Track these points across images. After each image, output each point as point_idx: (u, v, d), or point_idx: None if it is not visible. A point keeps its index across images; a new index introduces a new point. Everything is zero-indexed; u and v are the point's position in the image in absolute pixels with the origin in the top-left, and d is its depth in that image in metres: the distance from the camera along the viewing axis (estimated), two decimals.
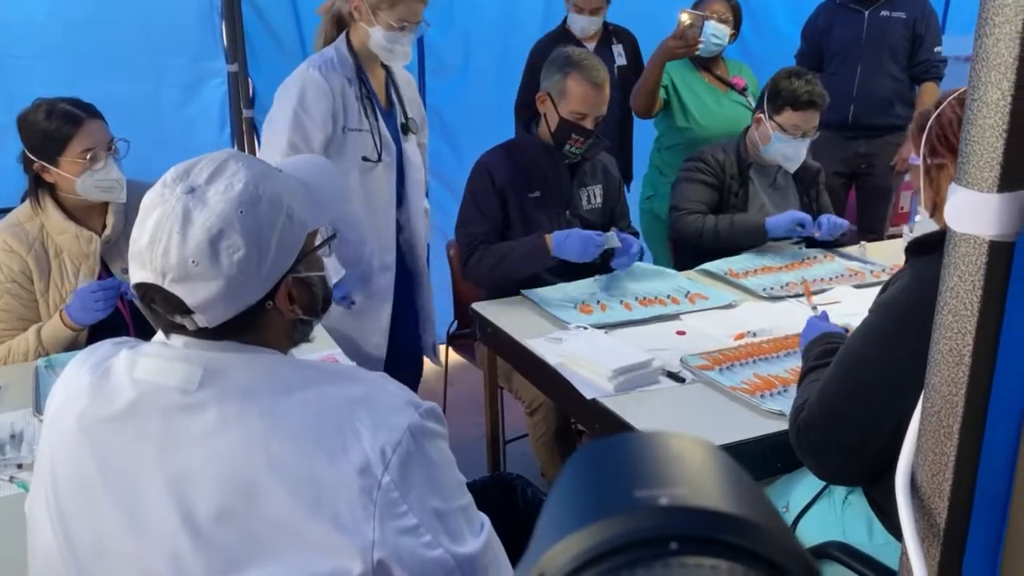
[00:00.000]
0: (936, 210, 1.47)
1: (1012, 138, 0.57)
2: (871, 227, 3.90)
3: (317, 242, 1.12)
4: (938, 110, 1.43)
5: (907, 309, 1.32)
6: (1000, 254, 0.59)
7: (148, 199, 1.02)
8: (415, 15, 2.40)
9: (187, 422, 0.98)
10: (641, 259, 2.66)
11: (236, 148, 3.34)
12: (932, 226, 1.47)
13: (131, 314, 2.10)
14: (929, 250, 1.32)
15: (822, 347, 1.59)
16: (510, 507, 2.01)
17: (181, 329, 1.02)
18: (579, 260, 2.39)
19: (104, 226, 2.11)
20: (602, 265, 2.64)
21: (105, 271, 2.11)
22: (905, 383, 1.19)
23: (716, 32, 3.15)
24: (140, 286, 1.02)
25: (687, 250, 2.89)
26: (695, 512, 0.33)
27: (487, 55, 3.80)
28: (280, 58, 3.35)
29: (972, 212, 0.59)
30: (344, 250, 2.48)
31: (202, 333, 1.02)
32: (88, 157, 1.99)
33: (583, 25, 3.37)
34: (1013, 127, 0.56)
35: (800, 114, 2.72)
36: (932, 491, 0.64)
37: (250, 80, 3.33)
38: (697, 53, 3.16)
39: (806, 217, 2.72)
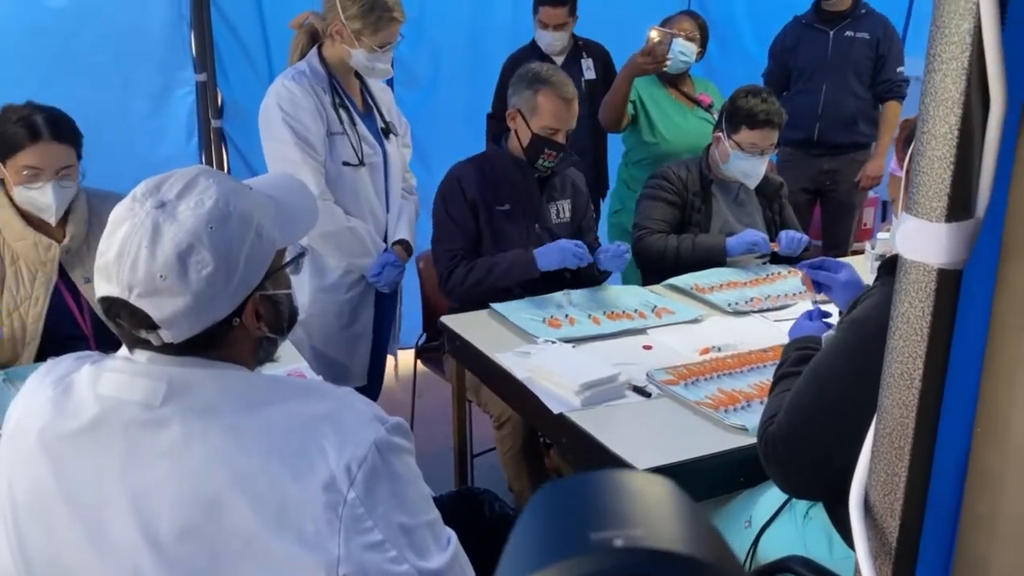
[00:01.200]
0: None
1: (959, 170, 0.59)
2: (835, 243, 3.97)
3: (285, 259, 1.12)
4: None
5: (873, 328, 1.33)
6: (948, 281, 0.61)
7: (117, 213, 1.01)
8: (394, 36, 2.46)
9: (150, 438, 0.98)
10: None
11: (204, 158, 3.32)
12: None
13: (92, 328, 2.07)
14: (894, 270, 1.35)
15: (798, 352, 1.60)
16: (477, 521, 2.00)
17: (146, 344, 1.02)
18: (560, 267, 2.47)
19: (64, 235, 2.08)
20: (571, 279, 2.66)
21: (63, 280, 2.08)
22: (868, 402, 1.21)
23: (683, 49, 3.20)
24: (105, 300, 1.01)
25: (651, 267, 2.92)
26: (649, 553, 0.34)
27: (456, 68, 3.82)
28: (248, 69, 3.34)
29: (921, 240, 0.61)
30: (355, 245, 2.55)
31: (167, 348, 1.01)
32: (26, 174, 1.95)
33: (548, 41, 3.42)
34: (960, 159, 0.59)
35: (757, 132, 2.76)
36: (884, 510, 0.66)
37: (218, 90, 3.31)
38: (665, 70, 3.21)
39: (760, 237, 2.79)
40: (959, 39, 0.57)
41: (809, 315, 1.80)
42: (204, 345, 1.02)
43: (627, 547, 0.35)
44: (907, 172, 1.43)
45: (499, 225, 2.57)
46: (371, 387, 2.78)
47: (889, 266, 1.37)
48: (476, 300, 2.50)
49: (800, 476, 1.41)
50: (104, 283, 1.00)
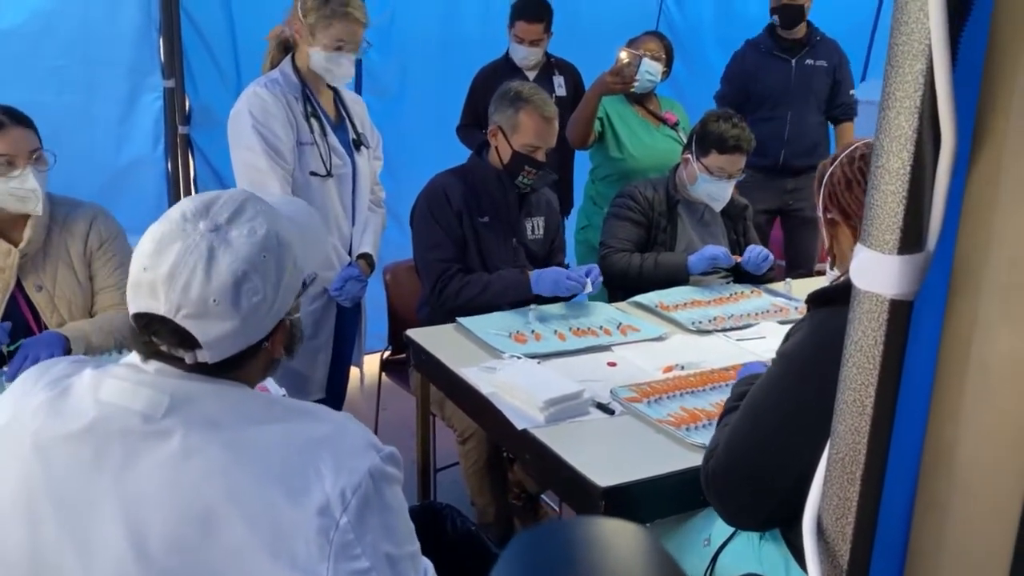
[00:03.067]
0: (835, 261, 1.51)
1: (911, 204, 0.61)
2: (799, 262, 4.03)
3: (304, 284, 1.15)
4: (831, 168, 1.47)
5: (805, 361, 1.33)
6: (900, 312, 0.63)
7: (163, 230, 1.02)
8: (352, 36, 2.42)
9: (148, 448, 0.98)
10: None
11: (170, 165, 3.29)
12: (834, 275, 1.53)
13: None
14: (828, 301, 1.35)
15: (742, 389, 1.60)
16: (439, 537, 2.00)
17: (167, 359, 1.03)
18: (552, 294, 2.51)
19: (22, 239, 2.04)
20: (537, 295, 2.67)
21: (18, 287, 2.05)
22: (804, 432, 1.20)
23: (650, 69, 3.25)
24: (145, 316, 1.01)
25: (615, 284, 2.95)
26: None
27: (425, 79, 3.83)
28: (217, 76, 3.31)
29: (875, 271, 0.63)
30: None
31: (193, 366, 1.02)
32: (3, 162, 1.93)
33: (523, 55, 3.47)
34: (912, 194, 0.60)
35: (726, 157, 2.81)
36: (836, 534, 0.68)
37: (186, 97, 3.29)
38: (633, 89, 3.25)
39: (721, 251, 2.84)
40: (912, 79, 0.59)
41: (752, 364, 1.82)
42: (229, 365, 1.04)
43: None
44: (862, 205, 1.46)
45: (481, 236, 2.61)
46: (332, 400, 2.76)
47: (817, 299, 1.38)
48: (442, 316, 2.52)
49: (738, 507, 1.41)
50: (147, 299, 1.00)
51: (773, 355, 2.13)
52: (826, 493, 0.69)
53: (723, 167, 2.82)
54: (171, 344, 1.01)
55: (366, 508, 0.98)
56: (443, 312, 2.55)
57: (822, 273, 3.70)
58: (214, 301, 0.98)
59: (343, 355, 2.81)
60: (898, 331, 0.63)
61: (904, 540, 0.67)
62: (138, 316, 1.02)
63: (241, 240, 1.01)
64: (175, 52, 3.18)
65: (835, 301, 1.41)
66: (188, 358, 1.01)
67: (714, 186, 2.85)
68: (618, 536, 0.41)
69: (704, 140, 2.84)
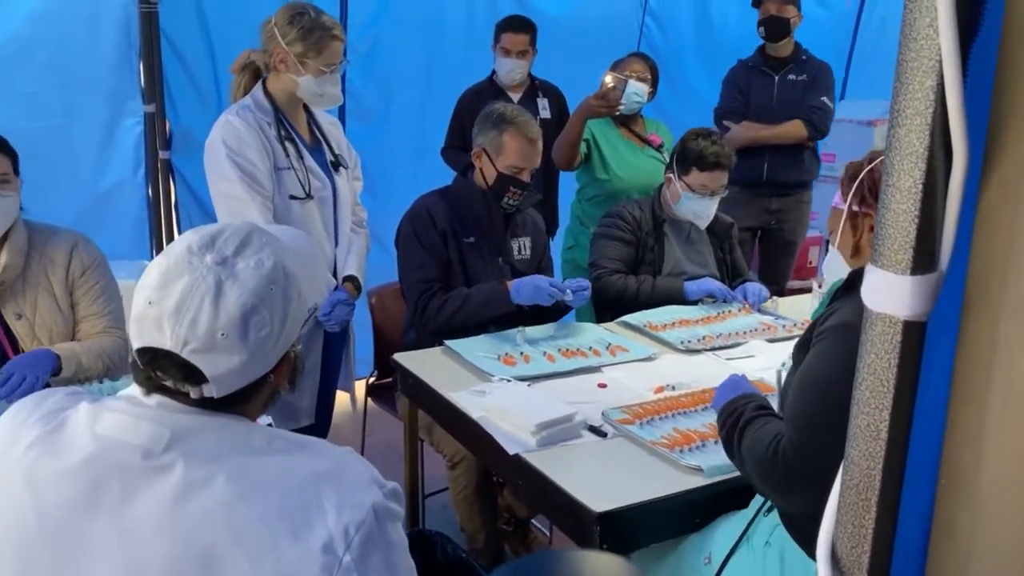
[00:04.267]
0: (855, 253, 1.60)
1: (923, 223, 0.59)
2: (773, 279, 4.05)
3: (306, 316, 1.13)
4: (871, 164, 1.56)
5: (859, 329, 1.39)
6: (913, 334, 0.62)
7: (168, 263, 1.00)
8: (338, 55, 2.42)
9: (147, 485, 0.95)
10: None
11: (151, 190, 3.24)
12: (840, 267, 1.62)
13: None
14: (854, 287, 1.41)
15: (754, 403, 1.61)
16: (429, 564, 1.96)
17: (171, 392, 1.01)
18: (531, 302, 2.49)
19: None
20: (528, 313, 2.66)
21: None
22: None
23: (636, 90, 3.27)
24: (150, 351, 0.99)
25: (609, 306, 2.94)
26: None
27: (408, 103, 3.82)
28: (197, 100, 3.29)
29: (887, 293, 0.61)
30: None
31: (198, 400, 1.00)
32: None
33: (510, 68, 3.45)
34: (924, 213, 0.59)
35: (707, 174, 2.81)
36: (852, 563, 0.66)
37: (167, 121, 3.25)
38: (619, 112, 3.27)
39: (718, 287, 2.85)
40: (923, 95, 0.58)
41: (731, 380, 1.78)
42: (233, 400, 1.02)
43: None
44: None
45: (466, 257, 2.59)
46: (319, 426, 2.72)
47: (848, 285, 1.46)
48: (450, 331, 2.49)
49: (816, 482, 1.38)
50: (153, 333, 0.98)
51: (762, 375, 2.16)
52: (840, 520, 0.67)
53: (705, 184, 2.83)
54: (176, 379, 0.99)
55: (369, 545, 0.96)
56: (429, 335, 2.53)
57: (805, 291, 3.71)
58: (222, 335, 0.97)
59: (330, 381, 2.77)
60: (912, 353, 0.62)
61: (921, 568, 0.65)
62: (143, 351, 1.00)
63: (248, 272, 1.00)
64: (155, 77, 3.15)
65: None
66: (194, 393, 1.00)
67: (697, 204, 2.86)
68: (603, 569, 0.41)
69: (685, 158, 2.86)
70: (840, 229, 1.61)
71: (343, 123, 3.67)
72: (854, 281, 1.46)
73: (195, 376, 0.98)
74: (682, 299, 2.85)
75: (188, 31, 3.26)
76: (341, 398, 2.91)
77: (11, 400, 1.50)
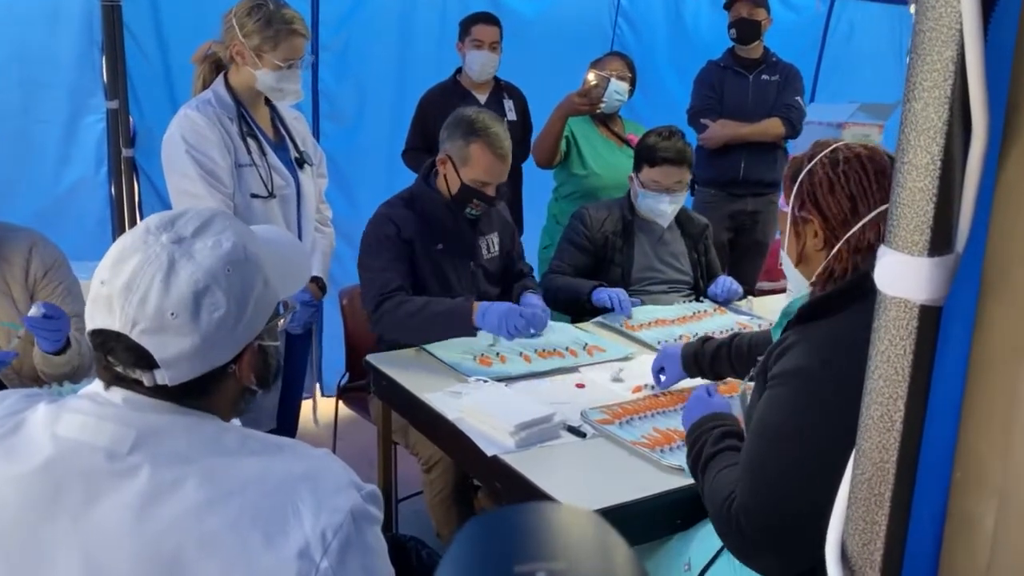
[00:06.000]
0: (800, 261, 1.47)
1: (941, 202, 0.56)
2: (743, 280, 4.06)
3: (280, 311, 1.09)
4: (810, 164, 1.43)
5: (812, 374, 1.29)
6: (929, 318, 0.59)
7: (125, 243, 0.96)
8: (299, 51, 2.32)
9: (112, 488, 0.89)
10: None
11: (113, 188, 3.15)
12: (794, 273, 1.49)
13: None
14: (808, 318, 1.33)
15: (718, 429, 1.52)
16: (404, 570, 1.91)
17: (128, 383, 0.95)
18: (496, 333, 2.29)
19: None
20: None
21: None
22: (830, 449, 1.13)
23: (618, 89, 3.26)
24: (100, 333, 0.94)
25: (552, 304, 2.92)
26: None
27: (381, 103, 3.77)
28: (164, 96, 3.20)
29: (903, 276, 0.58)
30: None
31: (151, 391, 0.95)
32: None
33: (484, 62, 3.38)
34: (942, 191, 0.56)
35: (658, 170, 2.79)
36: (864, 561, 0.63)
37: (131, 118, 3.16)
38: (601, 109, 3.25)
39: (625, 302, 2.70)
40: (942, 66, 0.55)
41: (707, 390, 1.70)
42: (194, 391, 0.97)
43: None
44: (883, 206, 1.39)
45: (437, 264, 2.50)
46: (284, 430, 2.64)
47: (796, 319, 1.35)
48: (404, 333, 2.39)
49: (786, 542, 1.30)
50: (102, 315, 0.94)
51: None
52: (851, 516, 0.64)
53: (657, 180, 2.80)
54: (127, 364, 0.94)
55: (347, 550, 0.91)
56: (391, 333, 2.42)
57: (777, 291, 3.72)
58: (172, 314, 0.92)
59: (293, 384, 2.69)
60: (928, 339, 0.59)
61: (935, 562, 0.62)
62: (94, 334, 0.95)
63: (205, 252, 0.95)
64: (118, 73, 3.06)
65: (815, 316, 1.39)
66: (146, 380, 0.94)
67: (651, 200, 2.84)
68: (573, 520, 0.42)
69: (638, 155, 2.85)
70: (786, 234, 1.47)
71: (317, 124, 3.61)
72: (814, 310, 1.34)
73: (146, 360, 0.93)
74: (587, 302, 2.74)
75: (152, 26, 3.18)
76: (304, 405, 2.84)
77: None
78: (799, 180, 1.43)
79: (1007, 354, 0.55)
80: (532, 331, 2.34)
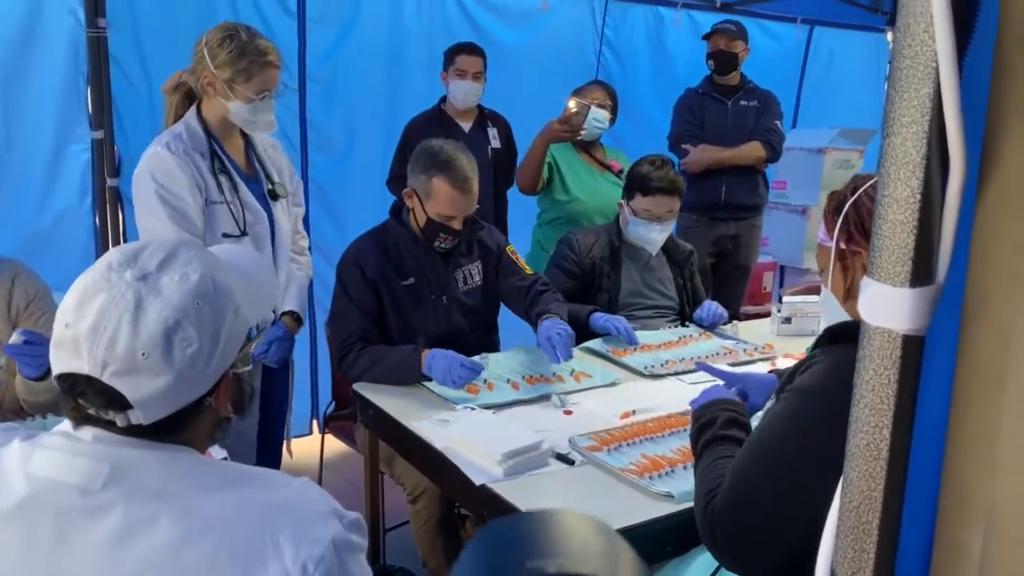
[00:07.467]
0: (848, 296, 1.43)
1: (922, 234, 0.58)
2: (727, 304, 4.09)
3: (251, 336, 1.06)
4: (854, 196, 1.39)
5: (829, 398, 1.27)
6: (912, 348, 0.60)
7: (88, 282, 0.93)
8: (272, 82, 2.28)
9: (86, 526, 0.87)
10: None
11: (98, 218, 3.14)
12: (838, 310, 1.44)
13: None
14: (844, 339, 1.31)
15: (728, 412, 1.53)
16: None
17: (99, 423, 0.93)
18: (441, 383, 2.25)
19: None
20: (488, 343, 2.61)
21: None
22: (828, 469, 1.14)
23: (598, 117, 3.30)
24: (68, 377, 0.92)
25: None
26: None
27: (369, 132, 3.78)
28: (150, 126, 3.19)
29: (886, 306, 0.59)
30: None
31: (127, 430, 0.92)
32: None
33: (466, 91, 3.41)
34: (922, 224, 0.58)
35: (650, 199, 2.83)
36: None
37: (116, 148, 3.16)
38: (581, 137, 3.29)
39: (623, 328, 2.71)
40: (919, 103, 0.56)
41: (716, 387, 1.72)
42: (169, 427, 0.94)
43: (560, 573, 0.40)
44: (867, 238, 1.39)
45: (403, 302, 2.46)
46: (267, 466, 2.60)
47: (830, 335, 1.34)
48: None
49: (750, 549, 1.32)
50: (69, 358, 0.91)
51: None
52: (839, 545, 0.64)
53: (649, 209, 2.84)
54: (99, 406, 0.92)
55: None
56: (352, 379, 2.40)
57: (763, 315, 3.74)
58: (143, 355, 0.89)
59: (274, 419, 2.66)
60: (912, 368, 0.60)
61: None
62: (62, 378, 0.93)
63: (172, 287, 0.92)
64: (104, 103, 3.06)
65: (853, 338, 1.36)
66: (120, 420, 0.92)
67: (643, 228, 2.88)
68: (577, 523, 0.46)
69: (630, 184, 2.89)
70: (830, 269, 1.43)
71: (305, 155, 3.62)
72: (842, 333, 1.33)
73: (118, 401, 0.91)
74: (585, 326, 2.75)
75: (137, 56, 3.18)
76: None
77: None
78: (844, 213, 1.39)
79: (989, 381, 0.56)
80: (560, 358, 2.33)
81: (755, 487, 1.31)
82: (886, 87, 0.59)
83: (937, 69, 0.55)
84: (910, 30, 0.56)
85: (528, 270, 2.70)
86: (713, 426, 1.52)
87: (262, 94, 2.26)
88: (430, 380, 2.30)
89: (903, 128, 0.57)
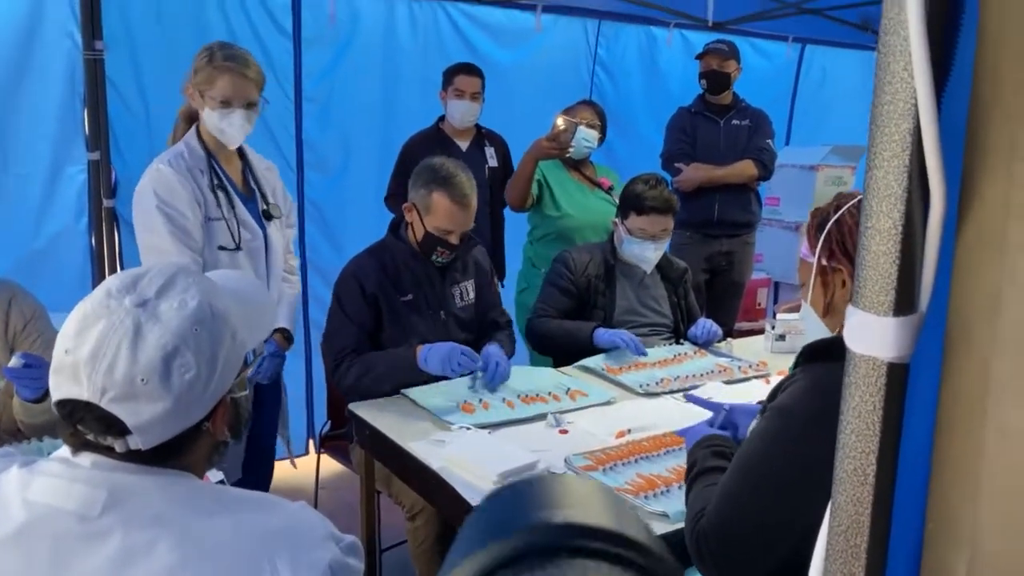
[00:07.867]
0: (827, 312, 1.45)
1: (904, 265, 0.59)
2: (722, 321, 4.11)
3: (248, 360, 1.07)
4: (837, 214, 1.40)
5: (808, 417, 1.29)
6: (897, 375, 0.61)
7: (87, 309, 0.94)
8: (238, 91, 2.30)
9: (84, 553, 0.88)
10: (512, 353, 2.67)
11: (94, 239, 3.15)
12: (818, 325, 1.45)
13: None
14: (824, 356, 1.32)
15: (711, 448, 1.56)
16: None
17: (98, 448, 0.94)
18: (441, 373, 2.32)
19: None
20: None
21: None
22: (810, 487, 1.14)
23: (586, 136, 3.33)
24: (68, 403, 0.92)
25: (535, 347, 2.97)
26: (585, 528, 0.42)
27: (365, 152, 3.81)
28: (146, 147, 3.22)
29: (870, 335, 0.61)
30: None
31: (125, 455, 0.93)
32: None
33: (463, 111, 3.44)
34: (904, 254, 0.59)
35: (645, 218, 2.85)
36: None
37: (112, 169, 3.18)
38: (570, 155, 3.31)
39: (629, 339, 2.74)
40: (900, 138, 0.58)
41: (709, 422, 1.73)
42: (167, 452, 0.95)
43: (566, 522, 0.42)
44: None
45: (403, 316, 2.50)
46: (257, 483, 2.60)
47: (810, 353, 1.35)
48: (366, 394, 2.39)
49: (735, 567, 1.33)
50: (69, 384, 0.92)
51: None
52: (828, 569, 0.65)
53: (643, 228, 2.86)
54: (97, 432, 0.92)
55: None
56: (353, 393, 2.42)
57: (756, 332, 3.76)
58: (142, 380, 0.90)
59: (265, 435, 2.67)
60: (896, 395, 0.61)
61: None
62: (61, 404, 0.94)
63: (171, 314, 0.94)
64: (100, 124, 3.08)
65: (831, 356, 1.35)
66: (119, 446, 0.93)
67: (638, 247, 2.90)
68: (582, 484, 0.47)
69: (625, 203, 2.91)
70: (811, 284, 1.46)
71: (301, 174, 3.64)
72: (821, 351, 1.34)
73: (117, 427, 0.92)
74: (589, 343, 2.78)
75: (134, 78, 3.21)
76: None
77: None
78: (826, 230, 1.41)
79: (972, 406, 0.58)
80: (479, 365, 2.39)
81: (739, 505, 1.32)
82: (870, 123, 0.60)
83: (916, 106, 0.57)
84: (890, 68, 0.58)
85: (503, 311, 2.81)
86: (699, 462, 1.53)
87: (224, 100, 2.29)
88: (427, 381, 2.34)
89: (884, 162, 0.59)
